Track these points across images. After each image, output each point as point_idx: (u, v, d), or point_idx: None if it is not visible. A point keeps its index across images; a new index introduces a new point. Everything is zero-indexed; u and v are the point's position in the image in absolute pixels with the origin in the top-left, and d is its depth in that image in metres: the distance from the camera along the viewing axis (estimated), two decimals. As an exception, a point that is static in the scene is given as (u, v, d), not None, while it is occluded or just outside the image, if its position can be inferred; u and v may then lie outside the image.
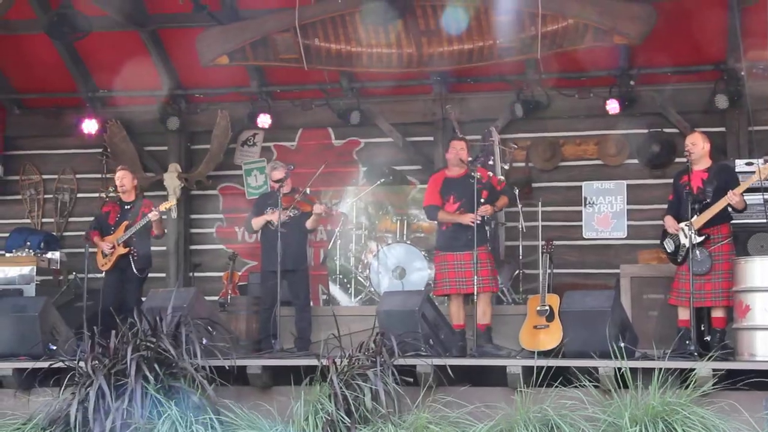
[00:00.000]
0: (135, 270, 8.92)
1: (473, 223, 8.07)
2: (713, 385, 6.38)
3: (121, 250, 8.88)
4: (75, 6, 10.18)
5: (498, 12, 9.96)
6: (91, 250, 8.95)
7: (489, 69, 10.77)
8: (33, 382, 7.54)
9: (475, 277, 7.94)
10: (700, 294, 7.53)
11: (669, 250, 7.81)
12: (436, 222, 8.63)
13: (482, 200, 8.16)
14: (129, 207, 9.09)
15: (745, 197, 7.66)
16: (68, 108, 12.05)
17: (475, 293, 7.96)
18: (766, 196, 7.54)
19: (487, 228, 8.59)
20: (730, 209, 7.66)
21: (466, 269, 8.14)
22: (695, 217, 7.58)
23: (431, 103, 11.42)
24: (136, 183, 9.41)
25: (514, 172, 10.77)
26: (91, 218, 9.71)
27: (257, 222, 8.99)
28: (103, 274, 9.07)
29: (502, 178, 8.59)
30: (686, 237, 7.59)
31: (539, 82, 10.99)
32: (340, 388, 6.67)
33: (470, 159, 8.49)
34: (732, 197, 7.47)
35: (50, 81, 11.76)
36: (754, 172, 7.76)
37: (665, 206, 8.10)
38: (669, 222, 7.83)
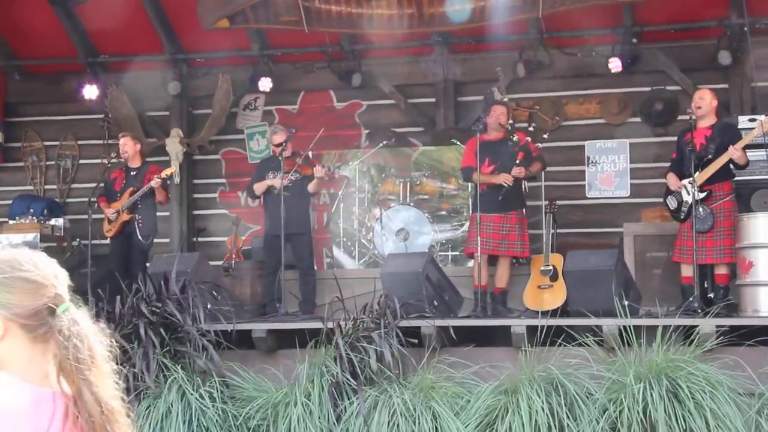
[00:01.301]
0: (140, 237, 8.91)
1: (506, 184, 8.15)
2: (717, 341, 6.41)
3: (125, 217, 8.89)
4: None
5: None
6: (97, 216, 8.97)
7: (490, 29, 10.69)
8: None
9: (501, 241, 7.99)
10: (703, 251, 7.54)
11: (672, 207, 7.81)
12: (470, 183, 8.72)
13: (517, 161, 8.22)
14: (134, 173, 9.10)
15: (748, 153, 7.64)
16: (69, 74, 11.99)
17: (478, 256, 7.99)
18: (768, 152, 7.52)
19: (525, 191, 8.71)
20: (731, 166, 7.64)
21: (494, 230, 8.27)
22: (697, 173, 7.57)
23: (433, 64, 11.35)
24: (140, 148, 9.40)
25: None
26: (94, 184, 9.71)
27: (259, 187, 8.98)
28: (109, 241, 9.07)
29: (539, 145, 8.64)
30: (689, 194, 7.59)
31: (541, 41, 10.92)
32: (345, 350, 6.70)
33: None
34: (734, 152, 7.46)
35: (51, 47, 11.68)
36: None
37: (668, 164, 8.09)
38: (671, 179, 7.82)
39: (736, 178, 7.82)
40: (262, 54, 11.50)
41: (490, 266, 8.39)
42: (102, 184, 9.53)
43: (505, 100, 10.38)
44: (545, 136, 10.07)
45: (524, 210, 8.58)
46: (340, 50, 11.40)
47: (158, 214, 9.53)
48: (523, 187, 8.85)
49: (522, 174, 8.34)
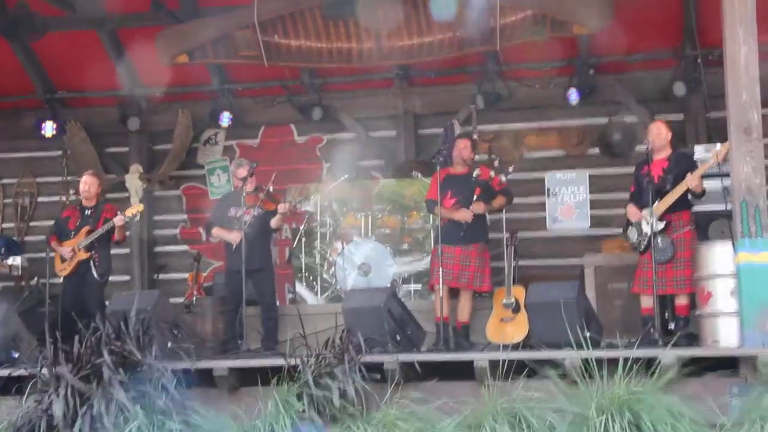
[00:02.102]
0: (96, 275, 8.80)
1: (464, 220, 8.19)
2: (678, 372, 6.42)
3: (82, 255, 8.77)
4: (31, 6, 10.04)
5: (457, 4, 9.94)
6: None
7: (450, 62, 10.77)
8: (-4, 391, 7.44)
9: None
10: (663, 281, 7.58)
11: (632, 240, 7.85)
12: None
13: (474, 197, 8.23)
14: (90, 212, 8.97)
15: (705, 183, 7.71)
16: (27, 110, 11.92)
17: (441, 287, 7.99)
18: (724, 182, 7.60)
19: (487, 224, 8.73)
20: (689, 196, 7.72)
21: (454, 263, 8.28)
22: (656, 203, 7.63)
23: (393, 97, 11.41)
24: (99, 188, 9.32)
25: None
26: (52, 222, 9.58)
27: (217, 234, 8.92)
28: (61, 280, 8.94)
29: (504, 178, 8.67)
30: (648, 225, 7.64)
31: (500, 73, 11.02)
32: (308, 387, 6.65)
33: (440, 153, 8.65)
34: (691, 181, 7.53)
35: (7, 83, 11.59)
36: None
37: (627, 195, 8.14)
38: (631, 210, 7.88)
39: (694, 209, 7.89)
40: (222, 88, 11.50)
41: (451, 299, 8.39)
42: (51, 224, 9.41)
43: (474, 135, 10.40)
44: (510, 169, 10.12)
45: (486, 242, 8.59)
46: (300, 84, 11.43)
47: (120, 251, 9.44)
48: (485, 219, 8.87)
49: (481, 209, 8.36)
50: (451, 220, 8.33)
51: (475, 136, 10.22)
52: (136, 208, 9.09)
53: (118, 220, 8.75)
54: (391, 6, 10.03)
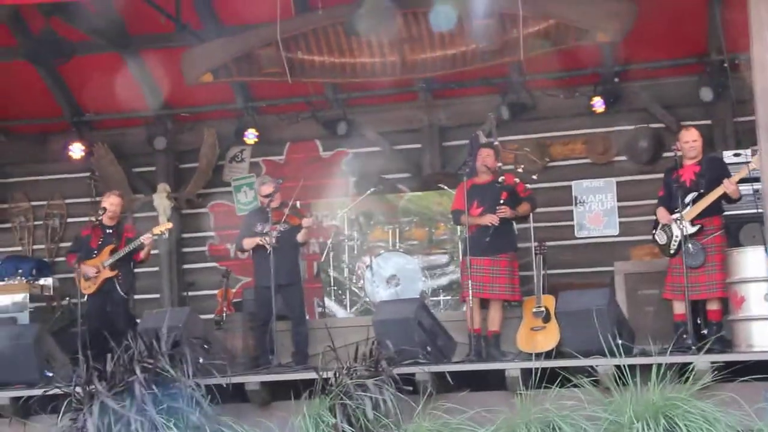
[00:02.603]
0: (122, 292, 8.87)
1: (491, 224, 8.20)
2: (712, 377, 6.38)
3: (108, 273, 8.83)
4: (56, 31, 10.15)
5: (479, 16, 9.95)
6: (64, 276, 8.89)
7: (473, 73, 10.77)
8: (30, 410, 7.49)
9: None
10: (695, 287, 7.53)
11: (661, 242, 7.81)
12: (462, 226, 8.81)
13: (501, 201, 8.25)
14: (111, 231, 9.03)
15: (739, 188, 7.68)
16: (54, 133, 12.03)
17: (470, 298, 7.98)
18: (755, 186, 7.54)
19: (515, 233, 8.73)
20: (723, 201, 7.67)
21: (484, 274, 8.27)
22: (688, 208, 7.59)
23: (417, 110, 11.43)
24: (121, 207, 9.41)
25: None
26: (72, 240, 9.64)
27: (248, 243, 8.95)
28: (85, 299, 8.99)
29: (528, 185, 8.70)
30: (678, 228, 7.60)
31: (524, 84, 11.01)
32: (340, 399, 6.65)
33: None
34: (728, 185, 7.50)
35: (35, 107, 11.72)
36: (742, 163, 7.80)
37: (655, 201, 8.10)
38: (662, 213, 7.84)
39: (725, 213, 7.84)
40: (246, 106, 11.56)
41: (482, 309, 8.37)
42: (71, 243, 9.47)
43: (495, 143, 10.42)
44: (534, 177, 10.12)
45: (515, 251, 8.57)
46: (324, 100, 11.47)
47: (149, 269, 9.51)
48: (513, 228, 8.85)
49: (507, 214, 8.34)
50: (478, 229, 8.31)
51: (496, 143, 10.22)
52: (165, 226, 9.17)
53: (146, 238, 8.81)
54: (414, 20, 10.06)
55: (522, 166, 10.87)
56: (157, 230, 8.96)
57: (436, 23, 9.81)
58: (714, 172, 7.71)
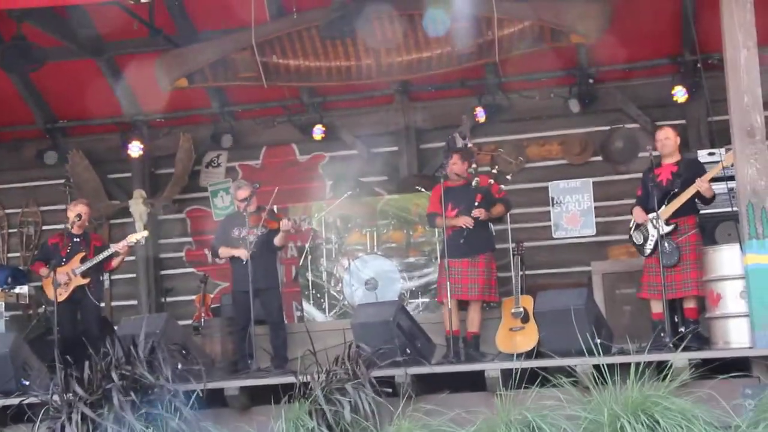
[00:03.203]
0: (94, 300, 8.86)
1: (466, 226, 8.18)
2: (690, 375, 6.41)
3: (80, 281, 8.80)
4: (28, 37, 10.07)
5: (455, 18, 9.97)
6: (35, 284, 8.86)
7: (450, 76, 10.79)
8: (6, 419, 7.42)
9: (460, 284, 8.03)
10: (670, 285, 7.56)
11: (637, 242, 7.84)
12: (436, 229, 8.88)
13: (476, 203, 8.26)
14: (78, 239, 9.00)
15: (712, 186, 7.73)
16: (28, 140, 11.96)
17: (448, 299, 7.99)
18: (730, 185, 7.59)
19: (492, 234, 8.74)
20: (697, 201, 7.72)
21: (462, 275, 8.26)
22: (663, 207, 7.63)
23: (393, 112, 11.43)
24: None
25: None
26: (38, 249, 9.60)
27: (224, 252, 8.93)
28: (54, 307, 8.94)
29: (504, 187, 8.72)
30: (654, 228, 7.64)
31: (500, 85, 11.04)
32: (320, 403, 6.63)
33: (474, 166, 8.63)
34: (701, 184, 7.54)
35: (8, 114, 11.61)
36: (717, 162, 7.84)
37: (633, 201, 8.14)
38: (637, 212, 7.88)
39: (700, 211, 7.88)
40: (222, 111, 11.53)
41: (460, 311, 8.38)
42: (36, 251, 9.43)
43: (469, 144, 10.45)
44: (508, 177, 10.15)
45: (493, 251, 8.58)
46: (300, 104, 11.46)
47: (125, 276, 9.48)
48: (490, 229, 8.86)
49: (482, 215, 8.35)
50: (454, 231, 8.32)
51: (469, 145, 10.24)
52: (140, 234, 9.13)
53: (122, 246, 8.77)
54: (389, 23, 10.06)
55: (497, 167, 10.91)
56: (132, 238, 8.93)
57: (430, 28, 9.81)
58: (690, 172, 7.76)
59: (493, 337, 8.31)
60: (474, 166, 8.84)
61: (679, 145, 8.02)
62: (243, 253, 8.54)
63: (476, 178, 8.50)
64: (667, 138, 7.90)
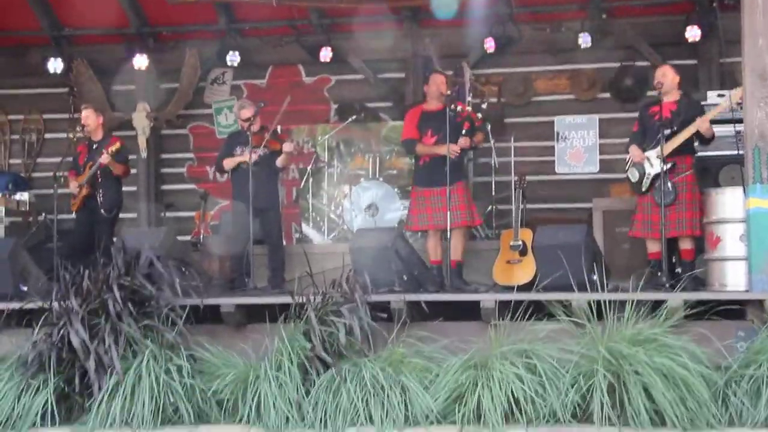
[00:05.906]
0: (102, 210, 8.84)
1: (453, 155, 8.03)
2: (684, 315, 6.44)
3: (85, 191, 8.80)
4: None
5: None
6: (64, 191, 8.89)
7: (461, 4, 10.64)
8: (4, 324, 7.46)
9: (449, 212, 7.97)
10: (666, 224, 7.53)
11: (633, 180, 7.81)
12: (412, 157, 8.61)
13: (463, 132, 8.13)
14: (96, 146, 8.98)
15: (716, 129, 7.68)
16: (33, 47, 11.83)
17: (449, 229, 8.00)
18: (737, 127, 7.54)
19: (467, 162, 8.62)
20: (696, 141, 7.67)
21: (442, 204, 8.12)
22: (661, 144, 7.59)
23: (402, 39, 11.30)
24: (102, 121, 9.25)
25: (485, 108, 10.71)
26: (59, 159, 9.55)
27: (228, 163, 8.89)
28: (74, 215, 8.99)
29: (480, 115, 8.60)
30: (651, 166, 7.61)
31: (511, 16, 10.90)
32: (315, 324, 6.67)
33: (448, 93, 8.38)
34: (701, 123, 7.49)
35: (14, 19, 11.47)
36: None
37: (630, 138, 8.10)
38: (634, 151, 7.83)
39: (705, 153, 7.85)
40: (229, 28, 11.40)
41: (443, 241, 8.34)
42: (70, 159, 9.40)
43: (471, 77, 10.30)
44: (484, 106, 10.10)
45: (467, 179, 8.52)
46: (309, 24, 11.32)
47: (126, 189, 9.43)
48: (464, 158, 8.76)
49: (467, 145, 8.24)
50: (433, 160, 8.20)
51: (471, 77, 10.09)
52: (115, 146, 8.87)
53: (103, 158, 8.72)
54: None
55: (503, 98, 10.83)
56: (110, 149, 8.79)
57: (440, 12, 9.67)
58: (690, 112, 7.71)
59: (491, 269, 8.32)
60: (449, 91, 8.54)
61: (680, 84, 7.93)
62: (246, 158, 8.47)
63: (456, 105, 8.32)
64: (664, 75, 7.82)
